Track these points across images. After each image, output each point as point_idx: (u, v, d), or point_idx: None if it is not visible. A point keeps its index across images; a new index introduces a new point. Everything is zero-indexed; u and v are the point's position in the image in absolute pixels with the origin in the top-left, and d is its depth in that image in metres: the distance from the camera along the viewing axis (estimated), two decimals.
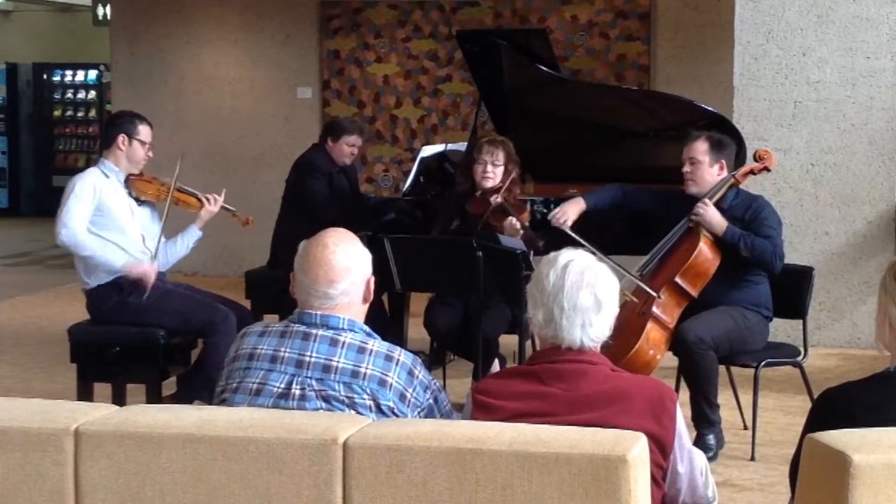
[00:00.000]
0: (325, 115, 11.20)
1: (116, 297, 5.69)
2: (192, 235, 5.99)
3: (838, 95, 7.78)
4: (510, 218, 5.98)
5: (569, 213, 5.84)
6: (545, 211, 6.67)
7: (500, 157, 6.26)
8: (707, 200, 5.56)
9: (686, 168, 5.65)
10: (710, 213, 5.54)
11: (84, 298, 5.87)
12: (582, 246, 5.41)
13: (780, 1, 7.77)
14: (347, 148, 7.36)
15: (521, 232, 5.95)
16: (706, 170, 5.60)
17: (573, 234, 5.54)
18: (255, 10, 11.51)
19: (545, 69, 7.38)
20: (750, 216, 5.57)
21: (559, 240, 5.13)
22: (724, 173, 5.66)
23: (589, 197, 5.93)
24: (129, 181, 5.82)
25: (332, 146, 7.36)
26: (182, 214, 6.01)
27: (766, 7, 7.79)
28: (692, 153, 5.63)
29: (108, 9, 13.88)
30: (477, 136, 7.63)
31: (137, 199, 5.84)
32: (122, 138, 5.79)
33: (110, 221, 5.71)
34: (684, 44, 10.52)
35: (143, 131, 5.84)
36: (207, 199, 5.97)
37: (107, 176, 5.77)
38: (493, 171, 6.24)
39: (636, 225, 6.27)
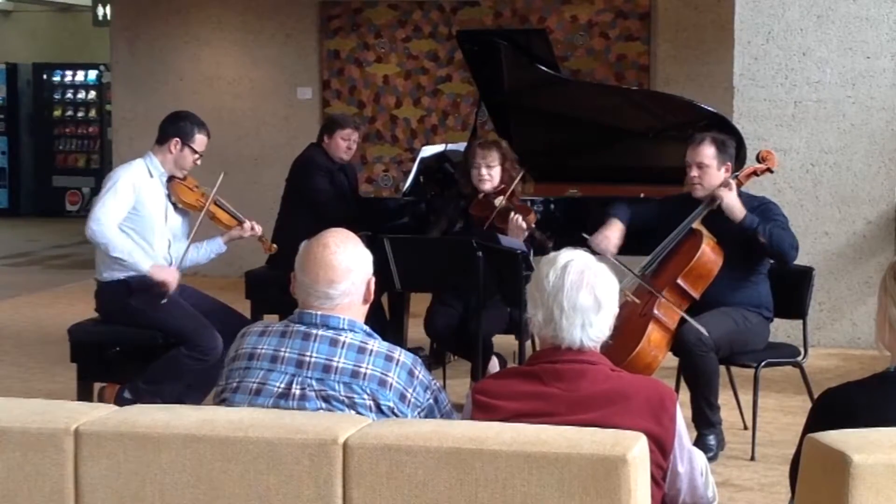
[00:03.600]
0: (325, 115, 11.18)
1: (124, 296, 5.67)
2: (215, 247, 5.96)
3: (838, 95, 7.78)
4: (515, 216, 5.96)
5: (611, 238, 5.68)
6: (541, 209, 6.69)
7: (495, 158, 6.23)
8: (732, 182, 5.56)
9: (694, 172, 5.60)
10: (732, 198, 5.52)
11: (94, 289, 5.85)
12: (630, 273, 5.45)
13: (780, 1, 7.77)
14: (343, 142, 7.36)
15: (527, 231, 5.93)
16: (713, 173, 5.59)
17: (619, 262, 5.46)
18: (255, 10, 11.51)
19: (545, 69, 7.38)
20: (758, 215, 5.56)
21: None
22: (729, 174, 5.66)
23: (619, 215, 5.79)
24: (171, 184, 5.76)
25: (329, 142, 7.37)
26: (207, 223, 5.93)
27: (766, 7, 7.79)
28: (700, 157, 5.59)
29: (108, 9, 13.89)
30: (477, 137, 7.62)
31: (175, 205, 5.79)
32: (175, 142, 5.71)
33: (142, 222, 5.66)
34: (684, 44, 10.52)
35: (199, 140, 5.76)
36: (250, 226, 5.90)
37: (151, 175, 5.70)
38: (490, 174, 6.22)
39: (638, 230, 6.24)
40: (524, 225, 5.93)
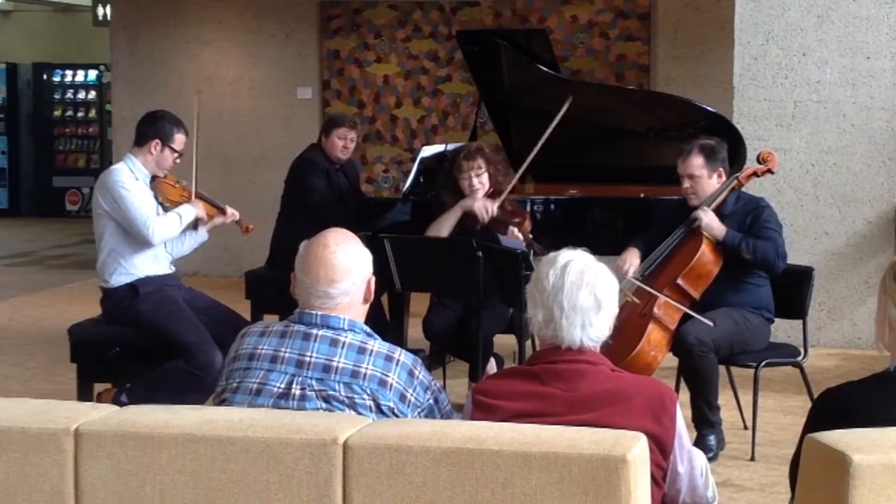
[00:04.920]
0: (325, 115, 11.19)
1: (129, 300, 5.67)
2: (199, 237, 5.99)
3: (838, 95, 7.78)
4: (512, 229, 5.95)
5: (629, 261, 5.70)
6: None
7: (481, 165, 6.22)
8: (705, 207, 5.57)
9: (686, 184, 5.63)
10: (710, 219, 5.53)
11: (95, 289, 5.84)
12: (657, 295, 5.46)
13: (780, 1, 7.77)
14: (339, 141, 7.37)
15: (524, 243, 5.91)
16: (706, 182, 5.60)
17: (642, 285, 5.49)
18: (255, 10, 11.51)
19: (545, 69, 7.38)
20: (751, 220, 5.57)
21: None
22: (724, 179, 5.65)
23: (635, 244, 5.81)
24: (154, 184, 5.77)
25: (326, 141, 7.40)
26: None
27: (766, 7, 7.79)
28: (690, 170, 5.61)
29: (108, 9, 13.89)
30: (477, 137, 7.62)
31: (161, 204, 5.80)
32: (155, 143, 5.71)
33: None
34: (684, 44, 10.52)
35: (178, 140, 5.78)
36: (227, 212, 5.98)
37: (136, 177, 5.71)
38: (480, 181, 6.22)
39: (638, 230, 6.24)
40: (521, 237, 5.93)
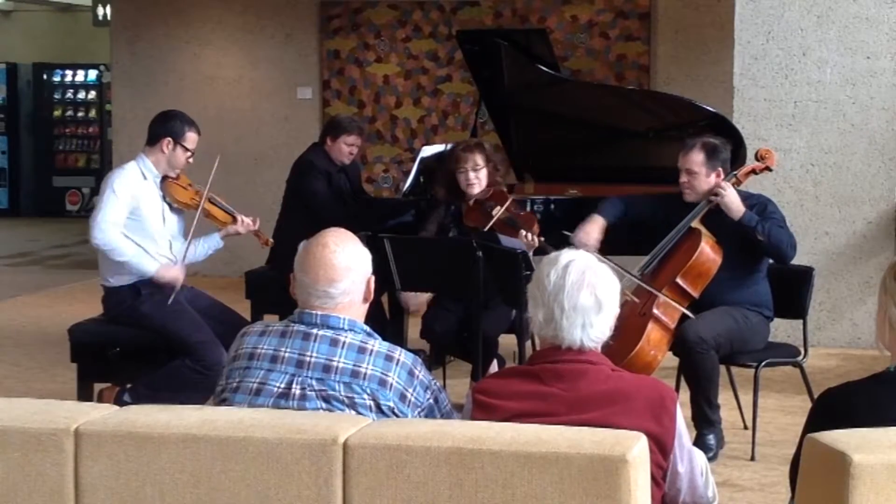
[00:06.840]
0: (325, 115, 11.20)
1: (132, 300, 5.66)
2: (213, 243, 5.96)
3: (838, 95, 7.78)
4: (525, 233, 5.88)
5: (591, 233, 5.71)
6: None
7: (479, 160, 6.14)
8: (728, 183, 5.57)
9: (683, 178, 5.63)
10: (732, 194, 5.53)
11: (101, 292, 5.82)
12: (628, 274, 5.42)
13: (780, 1, 7.77)
14: (346, 147, 7.35)
15: (536, 245, 5.87)
16: (703, 179, 5.60)
17: (601, 258, 5.43)
18: (255, 10, 11.51)
19: (545, 69, 7.38)
20: (756, 212, 5.57)
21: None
22: (721, 179, 5.65)
23: (604, 212, 5.83)
24: (164, 184, 5.75)
25: (331, 145, 7.35)
26: (202, 220, 5.95)
27: (766, 7, 7.79)
28: (688, 164, 5.61)
29: (108, 9, 13.89)
30: (477, 137, 7.62)
31: (170, 205, 5.78)
32: (167, 142, 5.70)
33: (142, 226, 5.65)
34: (684, 44, 10.52)
35: (190, 138, 5.75)
36: (242, 221, 5.93)
37: (145, 177, 5.70)
38: (477, 176, 6.14)
39: (635, 227, 6.24)
40: (535, 241, 5.86)
